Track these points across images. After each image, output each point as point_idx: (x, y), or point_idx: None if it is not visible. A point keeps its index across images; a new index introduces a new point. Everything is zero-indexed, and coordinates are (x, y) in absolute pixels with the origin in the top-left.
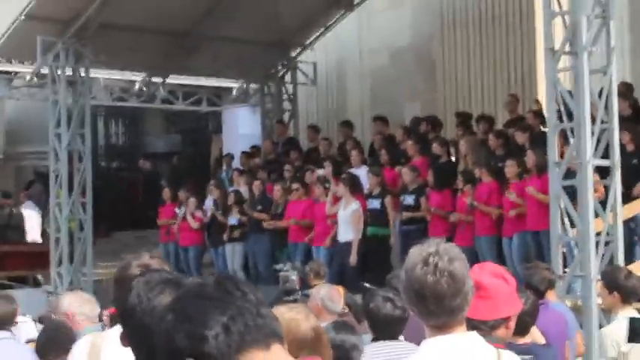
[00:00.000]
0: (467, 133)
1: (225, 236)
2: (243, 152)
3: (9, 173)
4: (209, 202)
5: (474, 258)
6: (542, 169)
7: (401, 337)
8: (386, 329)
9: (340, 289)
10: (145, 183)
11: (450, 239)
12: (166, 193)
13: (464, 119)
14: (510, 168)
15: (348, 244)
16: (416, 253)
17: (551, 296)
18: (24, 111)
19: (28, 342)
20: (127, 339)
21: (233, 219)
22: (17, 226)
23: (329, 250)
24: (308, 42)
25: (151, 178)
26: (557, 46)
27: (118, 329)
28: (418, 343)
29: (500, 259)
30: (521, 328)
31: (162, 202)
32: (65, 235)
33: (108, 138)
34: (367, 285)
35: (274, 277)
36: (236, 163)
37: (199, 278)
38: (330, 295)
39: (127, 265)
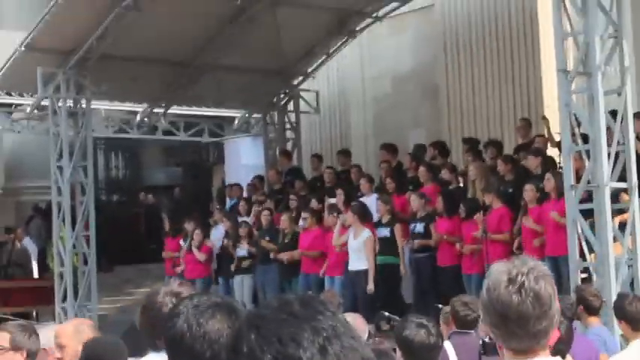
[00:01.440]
0: (476, 158)
1: (233, 267)
2: (249, 183)
3: (9, 208)
4: (215, 234)
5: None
6: (562, 193)
7: None
8: (420, 358)
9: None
10: (147, 216)
11: (459, 267)
12: (170, 225)
13: (472, 145)
14: (529, 192)
15: (360, 273)
16: (500, 270)
17: (593, 320)
18: (22, 145)
19: None
20: None
21: (242, 250)
22: (20, 261)
23: (343, 279)
24: (310, 70)
25: (152, 212)
26: (569, 68)
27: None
28: None
29: None
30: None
31: (163, 235)
32: (69, 269)
33: (108, 171)
34: (386, 314)
35: None
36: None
37: (278, 298)
38: (356, 325)
39: (155, 293)
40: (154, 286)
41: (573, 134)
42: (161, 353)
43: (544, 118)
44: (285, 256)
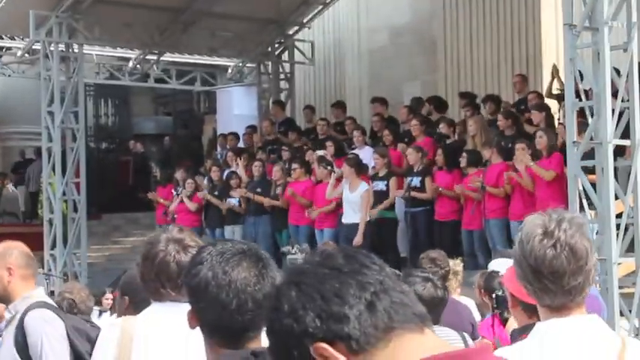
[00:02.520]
0: (475, 113)
1: (223, 217)
2: (245, 132)
3: None
4: (205, 184)
5: (483, 241)
6: (552, 150)
7: None
8: (429, 312)
9: None
10: (135, 165)
11: (458, 222)
12: (162, 174)
13: (470, 99)
14: (520, 150)
15: (354, 226)
16: (535, 222)
17: None
18: (10, 90)
19: None
20: (196, 319)
21: (233, 200)
22: (10, 207)
23: (334, 231)
24: (306, 20)
25: (141, 160)
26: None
27: (148, 312)
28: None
29: (510, 243)
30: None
31: (153, 184)
32: (59, 216)
33: (97, 118)
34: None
35: (275, 260)
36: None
37: (320, 251)
38: None
39: (156, 241)
40: (153, 234)
41: (576, 90)
42: (165, 304)
43: (554, 67)
44: (269, 204)
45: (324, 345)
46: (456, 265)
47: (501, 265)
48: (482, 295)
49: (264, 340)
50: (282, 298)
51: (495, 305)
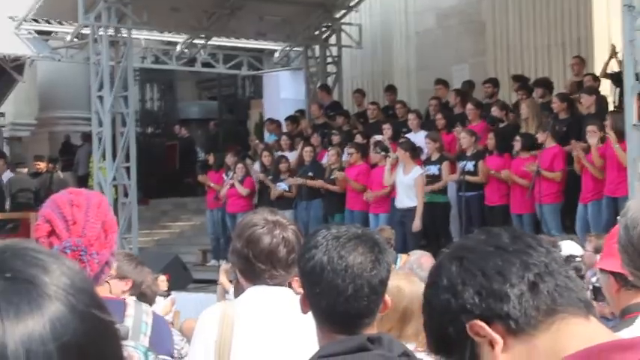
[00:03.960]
0: (528, 96)
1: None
2: (288, 117)
3: (42, 138)
4: (256, 168)
5: (535, 226)
6: (621, 134)
7: None
8: None
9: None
10: (181, 150)
11: (507, 206)
12: (215, 159)
13: (523, 82)
14: (592, 133)
15: (409, 211)
16: (639, 206)
17: None
18: (57, 75)
19: None
20: (309, 304)
21: (283, 185)
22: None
23: (388, 216)
24: (353, 3)
25: (187, 145)
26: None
27: (249, 295)
28: None
29: (564, 228)
30: None
31: (199, 169)
32: (110, 201)
33: (143, 103)
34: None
35: None
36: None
37: (486, 230)
38: (420, 263)
39: (251, 220)
40: (246, 217)
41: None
42: (265, 287)
43: (613, 47)
44: (332, 186)
45: (481, 323)
46: None
47: (572, 247)
48: None
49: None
50: (442, 272)
51: (594, 297)
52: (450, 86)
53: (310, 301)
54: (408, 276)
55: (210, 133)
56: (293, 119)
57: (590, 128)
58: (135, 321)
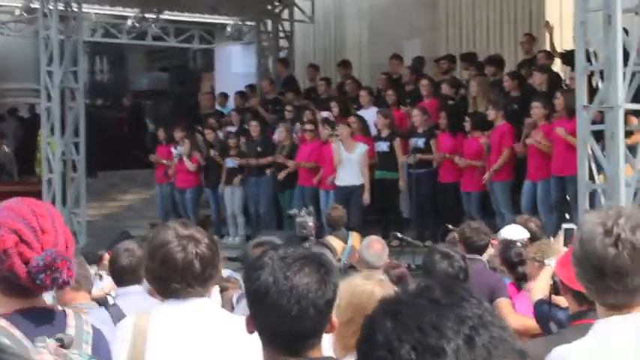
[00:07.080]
0: (478, 74)
1: (223, 179)
2: (237, 92)
3: None
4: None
5: (486, 203)
6: (572, 111)
7: None
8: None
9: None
10: (130, 122)
11: (458, 184)
12: (161, 133)
13: (472, 60)
14: (536, 110)
15: (355, 188)
16: (594, 221)
17: None
18: (4, 48)
19: None
20: (254, 324)
21: (231, 162)
22: (6, 165)
23: (337, 193)
24: None
25: (136, 117)
26: None
27: (166, 307)
28: None
29: (514, 206)
30: None
31: (149, 141)
32: (59, 176)
33: (92, 75)
34: (399, 235)
35: (275, 222)
36: (229, 104)
37: (417, 284)
38: (374, 247)
39: (164, 238)
40: (155, 234)
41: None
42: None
43: (547, 24)
44: (283, 174)
45: None
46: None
47: (513, 232)
48: (500, 263)
49: (324, 348)
50: (377, 328)
51: (554, 292)
52: (403, 61)
53: (255, 322)
54: (382, 282)
55: (160, 105)
56: (242, 94)
57: (535, 104)
58: (77, 331)
